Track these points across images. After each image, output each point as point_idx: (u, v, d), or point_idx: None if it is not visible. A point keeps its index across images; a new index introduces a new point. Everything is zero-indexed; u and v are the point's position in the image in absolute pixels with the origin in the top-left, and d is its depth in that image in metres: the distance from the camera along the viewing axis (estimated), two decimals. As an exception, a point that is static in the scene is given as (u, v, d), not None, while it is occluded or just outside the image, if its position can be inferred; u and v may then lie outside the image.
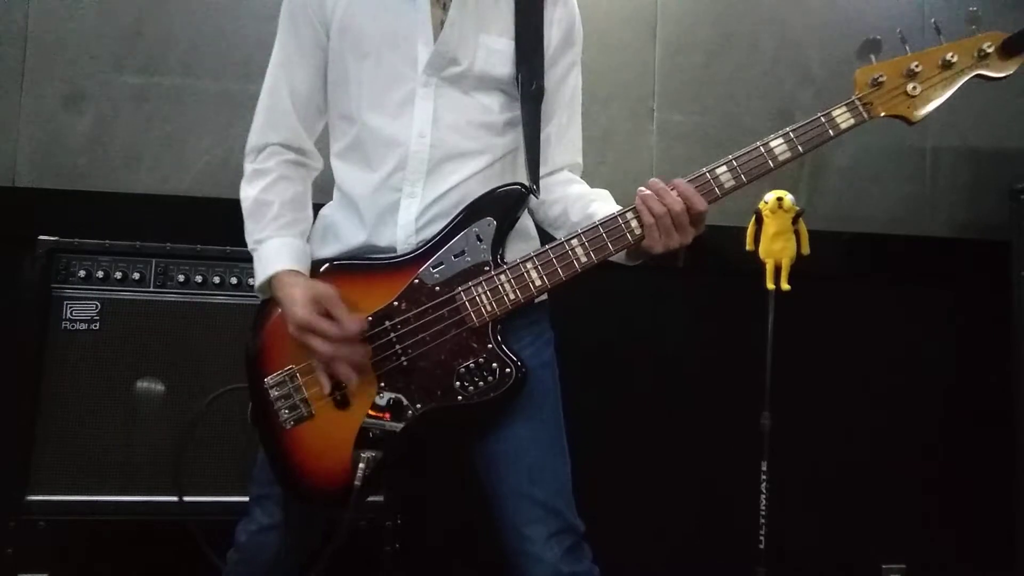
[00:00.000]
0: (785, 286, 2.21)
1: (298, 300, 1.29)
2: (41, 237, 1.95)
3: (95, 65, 2.39)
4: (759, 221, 2.24)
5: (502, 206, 1.35)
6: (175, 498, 1.89)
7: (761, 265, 2.24)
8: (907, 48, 1.35)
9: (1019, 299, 2.42)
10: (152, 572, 2.01)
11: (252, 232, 1.40)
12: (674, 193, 1.28)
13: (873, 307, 2.65)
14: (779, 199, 2.21)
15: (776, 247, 2.22)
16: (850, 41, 2.71)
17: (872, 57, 1.36)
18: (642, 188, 1.31)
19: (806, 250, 2.23)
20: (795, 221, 2.22)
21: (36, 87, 2.36)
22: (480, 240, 1.33)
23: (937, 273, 2.68)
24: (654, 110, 2.65)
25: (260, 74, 1.46)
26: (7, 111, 2.35)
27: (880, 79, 1.34)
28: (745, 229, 2.26)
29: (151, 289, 1.98)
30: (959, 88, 1.35)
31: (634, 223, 1.31)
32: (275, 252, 1.37)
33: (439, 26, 1.38)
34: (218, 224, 2.14)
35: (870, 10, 2.73)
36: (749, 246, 2.25)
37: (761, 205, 2.23)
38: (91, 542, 1.92)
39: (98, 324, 1.95)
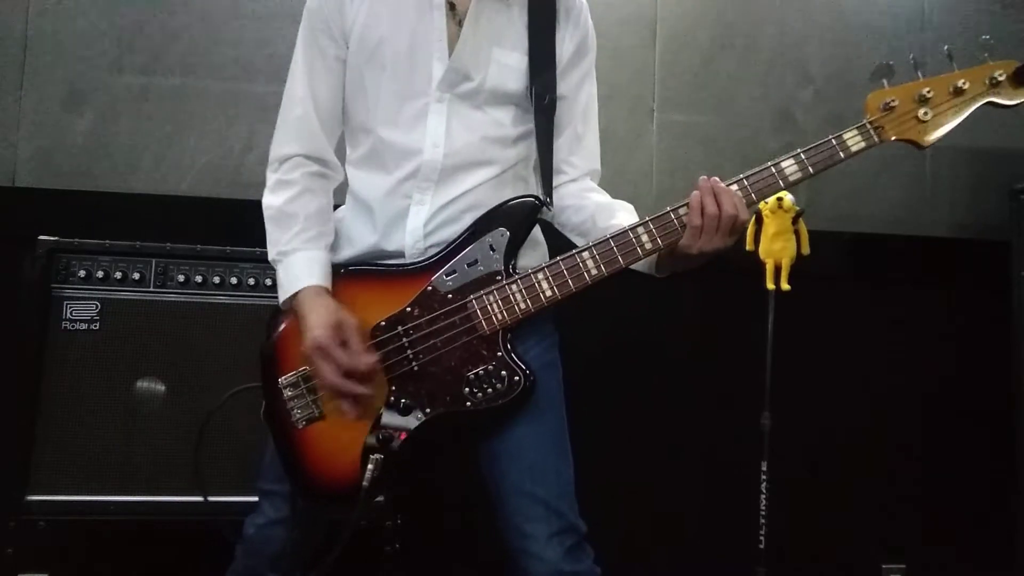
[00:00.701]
0: (785, 286, 2.21)
1: (321, 322, 1.31)
2: (41, 237, 1.95)
3: (95, 65, 2.39)
4: (759, 221, 2.24)
5: (516, 217, 1.37)
6: (192, 498, 1.89)
7: (761, 265, 2.23)
8: (920, 74, 1.37)
9: (1019, 299, 2.42)
10: (152, 572, 2.01)
11: (276, 243, 1.40)
12: (728, 196, 1.30)
13: (873, 307, 2.65)
14: (779, 199, 2.21)
15: (776, 247, 2.22)
16: (850, 41, 2.75)
17: (884, 82, 1.37)
18: (703, 179, 1.31)
19: (806, 250, 2.23)
20: (795, 221, 2.22)
21: (36, 87, 2.36)
22: (493, 250, 1.35)
23: (937, 273, 2.68)
24: (654, 110, 2.64)
25: (260, 74, 1.46)
26: (7, 111, 2.35)
27: (892, 104, 1.36)
28: (745, 229, 2.26)
29: (151, 289, 1.98)
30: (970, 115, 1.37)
31: (644, 238, 1.33)
32: (303, 267, 1.38)
33: (454, 42, 1.40)
34: (218, 224, 2.16)
35: (870, 10, 2.73)
36: (749, 246, 2.25)
37: (761, 205, 2.23)
38: (91, 542, 1.92)
39: (98, 324, 1.94)
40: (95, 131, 2.38)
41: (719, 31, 2.69)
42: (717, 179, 1.32)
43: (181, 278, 1.99)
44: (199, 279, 2.00)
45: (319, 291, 1.36)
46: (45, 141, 2.36)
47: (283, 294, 1.39)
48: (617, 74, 2.60)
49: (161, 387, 1.96)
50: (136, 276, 1.97)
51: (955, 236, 2.73)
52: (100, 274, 1.96)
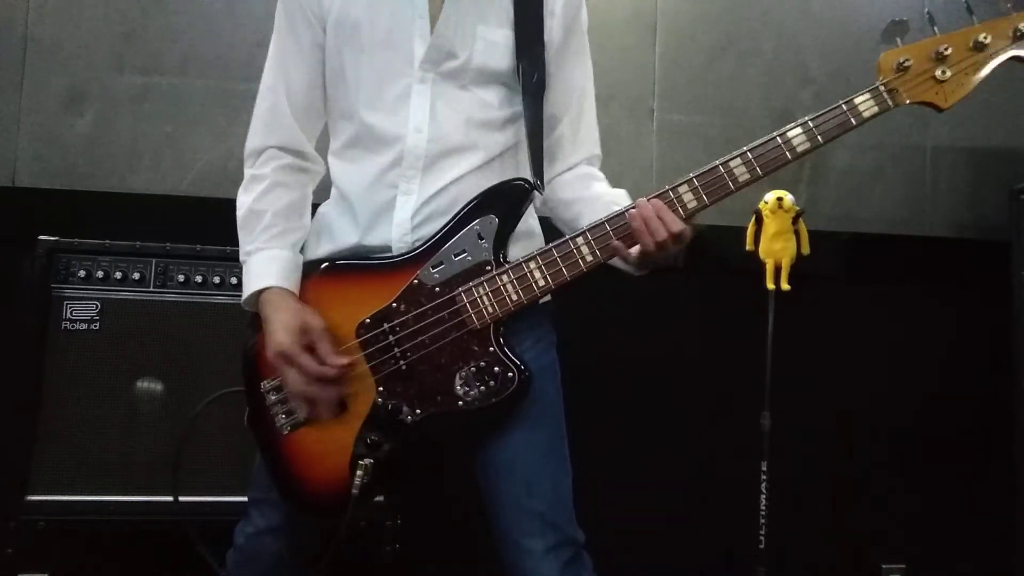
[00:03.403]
0: (785, 286, 2.21)
1: (284, 326, 1.25)
2: (41, 237, 1.95)
3: (95, 65, 2.39)
4: (759, 221, 2.24)
5: (505, 202, 1.30)
6: (192, 498, 1.90)
7: (761, 265, 2.23)
8: (935, 30, 1.25)
9: (1020, 299, 2.42)
10: (152, 572, 2.01)
11: (243, 243, 1.37)
12: (657, 222, 1.24)
13: (873, 307, 2.65)
14: (779, 199, 2.21)
15: (776, 247, 2.22)
16: (850, 41, 2.75)
17: (898, 40, 1.25)
18: (643, 203, 1.26)
19: (806, 250, 2.23)
20: (795, 221, 2.22)
21: (36, 87, 2.36)
22: (481, 238, 1.28)
23: (937, 273, 2.68)
24: (654, 110, 2.64)
25: (260, 74, 1.45)
26: (7, 111, 2.35)
27: (906, 63, 1.24)
28: (745, 229, 2.26)
29: (151, 289, 1.98)
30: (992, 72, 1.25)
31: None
32: (263, 266, 1.33)
33: (436, 18, 1.34)
34: (218, 224, 2.13)
35: (870, 10, 2.73)
36: (749, 246, 2.25)
37: (761, 205, 2.23)
38: (91, 542, 1.92)
39: (98, 324, 1.94)
40: (95, 131, 2.38)
41: (719, 31, 2.69)
42: (657, 201, 1.25)
43: (181, 278, 1.99)
44: (199, 279, 2.00)
45: (280, 293, 1.30)
46: (45, 141, 2.36)
47: (243, 295, 1.34)
48: (617, 74, 2.60)
49: (160, 387, 1.96)
50: (136, 276, 1.97)
51: (955, 236, 2.73)
52: (100, 274, 1.96)
